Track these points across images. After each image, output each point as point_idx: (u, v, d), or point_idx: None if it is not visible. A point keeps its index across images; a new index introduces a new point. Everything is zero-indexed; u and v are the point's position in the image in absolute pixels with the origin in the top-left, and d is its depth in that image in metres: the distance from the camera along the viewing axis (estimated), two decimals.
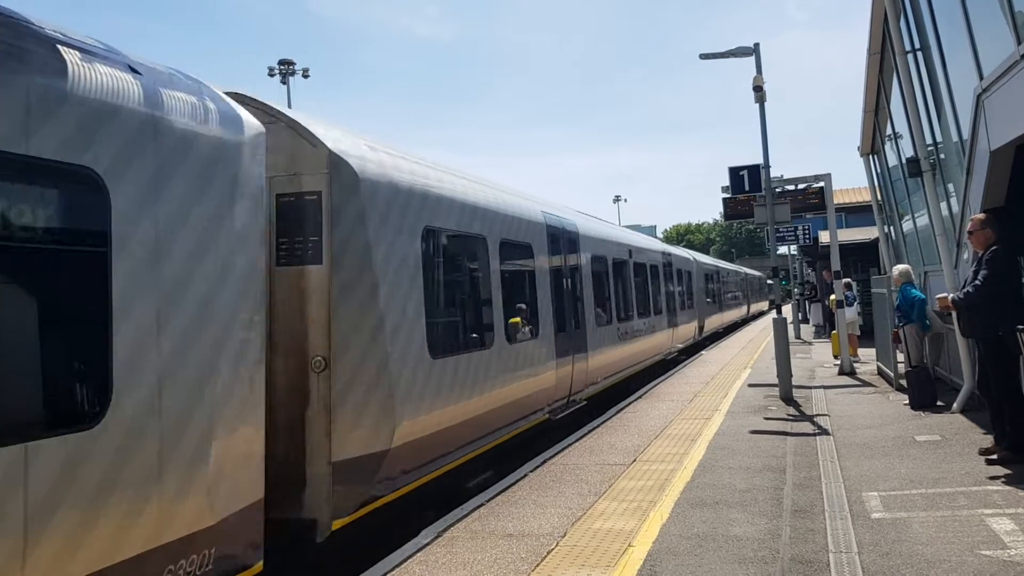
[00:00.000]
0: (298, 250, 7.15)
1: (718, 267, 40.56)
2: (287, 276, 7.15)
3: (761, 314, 64.16)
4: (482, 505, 8.29)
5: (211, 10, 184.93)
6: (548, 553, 6.65)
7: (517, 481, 9.30)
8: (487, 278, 10.36)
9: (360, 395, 7.23)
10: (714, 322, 35.44)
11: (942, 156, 13.61)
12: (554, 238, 13.12)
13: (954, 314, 10.07)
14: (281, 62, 44.48)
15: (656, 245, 24.10)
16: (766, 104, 16.15)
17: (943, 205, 13.37)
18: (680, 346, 25.45)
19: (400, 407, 7.68)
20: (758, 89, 16.12)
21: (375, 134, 9.10)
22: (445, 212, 9.17)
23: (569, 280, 13.82)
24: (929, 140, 13.81)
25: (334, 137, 7.52)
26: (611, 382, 16.36)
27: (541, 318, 11.96)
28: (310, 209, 7.16)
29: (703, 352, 26.40)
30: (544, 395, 12.02)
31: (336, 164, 7.25)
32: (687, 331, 26.92)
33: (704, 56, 16.92)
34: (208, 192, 5.48)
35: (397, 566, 6.56)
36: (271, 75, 44.58)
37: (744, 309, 52.09)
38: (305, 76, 45.75)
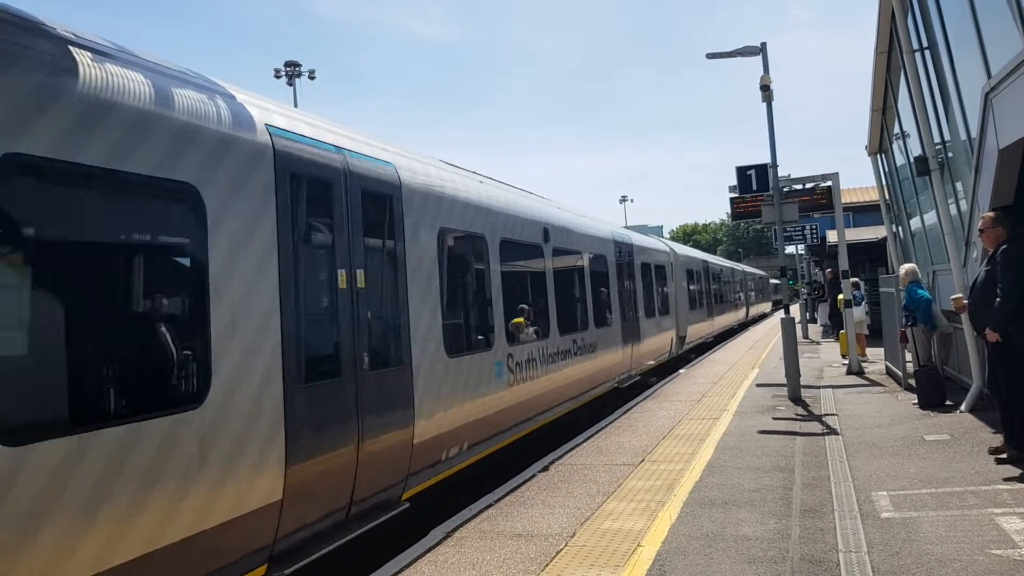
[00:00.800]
0: None
1: (707, 262, 33.98)
2: None
3: (763, 317, 57.88)
4: (491, 505, 8.30)
5: (216, 13, 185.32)
6: (557, 553, 6.65)
7: (526, 481, 9.31)
8: None
9: None
10: (700, 330, 29.25)
11: (950, 155, 13.57)
12: (306, 184, 6.87)
13: (963, 313, 10.05)
14: (287, 64, 44.70)
15: (602, 230, 16.90)
16: (773, 103, 16.16)
17: (951, 204, 13.34)
18: (652, 363, 20.25)
19: None
20: (765, 88, 16.11)
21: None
22: None
23: (359, 274, 7.45)
24: (937, 139, 13.77)
25: None
26: (494, 445, 10.41)
27: (235, 358, 5.76)
28: None
29: (681, 370, 21.72)
30: (253, 527, 5.86)
31: None
32: (657, 345, 20.94)
33: (711, 56, 16.90)
34: None
35: (407, 566, 6.58)
36: (277, 77, 44.82)
37: (742, 312, 46.09)
38: (311, 78, 45.91)
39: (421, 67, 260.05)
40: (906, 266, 14.25)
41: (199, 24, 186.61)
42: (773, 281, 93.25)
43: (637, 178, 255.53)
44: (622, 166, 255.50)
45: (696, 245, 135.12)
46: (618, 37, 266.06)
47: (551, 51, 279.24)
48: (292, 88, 44.13)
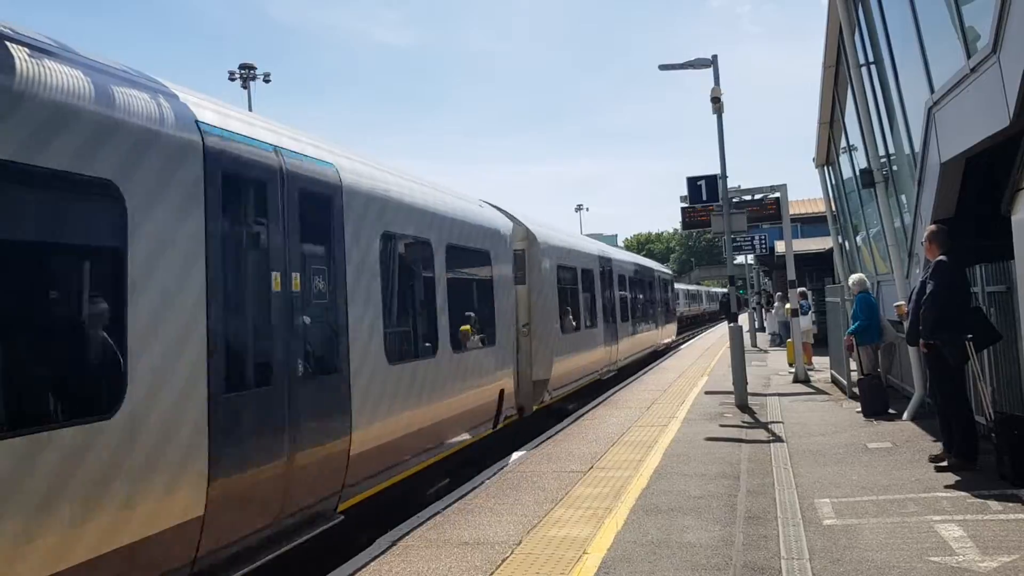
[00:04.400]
0: None
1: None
2: None
3: (655, 357, 29.98)
4: (438, 513, 8.24)
5: (167, 13, 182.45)
6: (503, 561, 6.62)
7: (474, 489, 9.27)
8: None
9: None
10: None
11: (895, 168, 13.85)
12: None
13: (904, 324, 10.26)
14: (242, 66, 44.16)
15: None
16: (723, 115, 16.35)
17: (895, 216, 13.60)
18: None
19: None
20: (715, 100, 16.29)
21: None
22: None
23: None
24: (882, 152, 14.04)
25: None
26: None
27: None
28: None
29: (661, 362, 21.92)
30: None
31: None
32: None
33: (663, 67, 17.05)
34: None
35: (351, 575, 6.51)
36: (232, 79, 44.27)
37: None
38: (266, 81, 45.45)
39: (380, 72, 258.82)
40: (855, 276, 14.45)
41: (147, 23, 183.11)
42: (700, 288, 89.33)
43: (594, 187, 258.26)
44: (579, 175, 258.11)
45: (650, 254, 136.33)
46: (578, 47, 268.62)
47: (510, 60, 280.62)
48: (247, 91, 43.66)
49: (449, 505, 8.56)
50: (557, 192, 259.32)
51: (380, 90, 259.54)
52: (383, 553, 7.00)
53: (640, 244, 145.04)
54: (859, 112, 14.42)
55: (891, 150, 13.84)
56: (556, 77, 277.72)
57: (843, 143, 18.00)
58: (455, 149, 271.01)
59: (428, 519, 8.03)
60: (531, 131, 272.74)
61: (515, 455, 11.22)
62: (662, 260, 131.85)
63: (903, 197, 13.34)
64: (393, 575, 6.44)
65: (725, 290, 71.57)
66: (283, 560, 6.88)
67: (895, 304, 10.51)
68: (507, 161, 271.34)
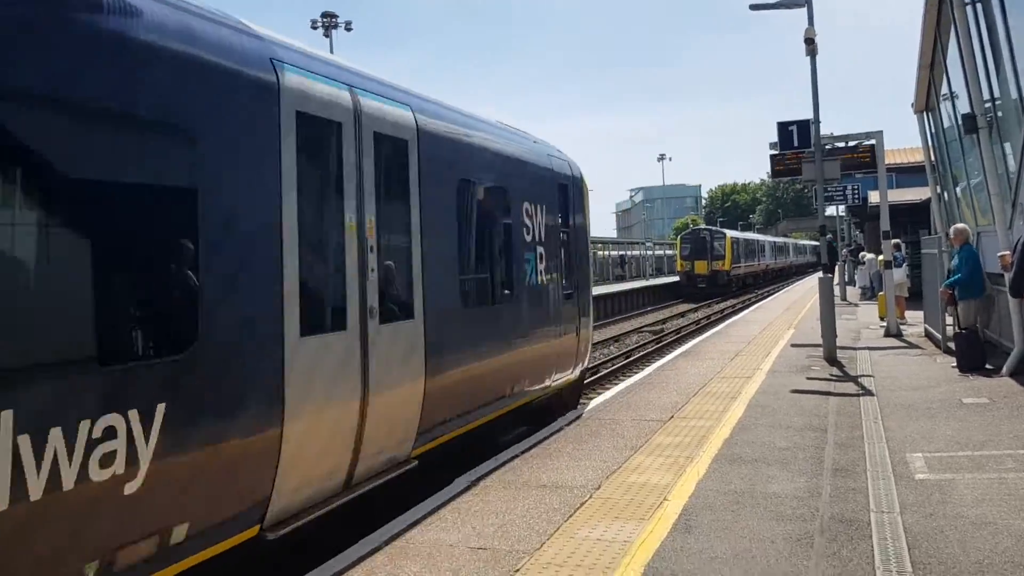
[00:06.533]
0: None
1: None
2: None
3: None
4: (516, 456, 8.25)
5: None
6: (581, 505, 6.58)
7: (553, 434, 9.25)
8: None
9: None
10: None
11: (999, 113, 13.13)
12: None
13: (1006, 275, 9.78)
14: (324, 14, 44.58)
15: None
16: (817, 57, 15.71)
17: (999, 164, 12.93)
18: None
19: None
20: (809, 42, 15.66)
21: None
22: None
23: None
24: (986, 95, 13.32)
25: None
26: None
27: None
28: None
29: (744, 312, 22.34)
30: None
31: None
32: None
33: (754, 7, 16.44)
34: None
35: (431, 512, 6.56)
36: (314, 28, 44.72)
37: None
38: (348, 29, 45.78)
39: (459, 20, 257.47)
40: (958, 226, 13.63)
41: None
42: (787, 240, 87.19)
43: (675, 138, 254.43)
44: (662, 126, 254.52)
45: (734, 206, 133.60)
46: None
47: (590, 7, 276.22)
48: (328, 39, 44.07)
49: (527, 449, 8.56)
50: (638, 144, 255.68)
51: (463, 38, 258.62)
52: (462, 493, 7.03)
53: (725, 195, 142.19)
54: (962, 53, 13.67)
55: (996, 94, 13.11)
56: (639, 22, 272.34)
57: (944, 89, 17.15)
58: (538, 99, 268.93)
59: (506, 462, 8.04)
60: (608, 79, 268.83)
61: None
62: (747, 212, 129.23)
63: (1007, 144, 12.66)
64: (472, 513, 6.46)
65: (815, 243, 69.65)
66: (364, 498, 6.97)
67: (999, 254, 9.99)
68: (584, 112, 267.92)
